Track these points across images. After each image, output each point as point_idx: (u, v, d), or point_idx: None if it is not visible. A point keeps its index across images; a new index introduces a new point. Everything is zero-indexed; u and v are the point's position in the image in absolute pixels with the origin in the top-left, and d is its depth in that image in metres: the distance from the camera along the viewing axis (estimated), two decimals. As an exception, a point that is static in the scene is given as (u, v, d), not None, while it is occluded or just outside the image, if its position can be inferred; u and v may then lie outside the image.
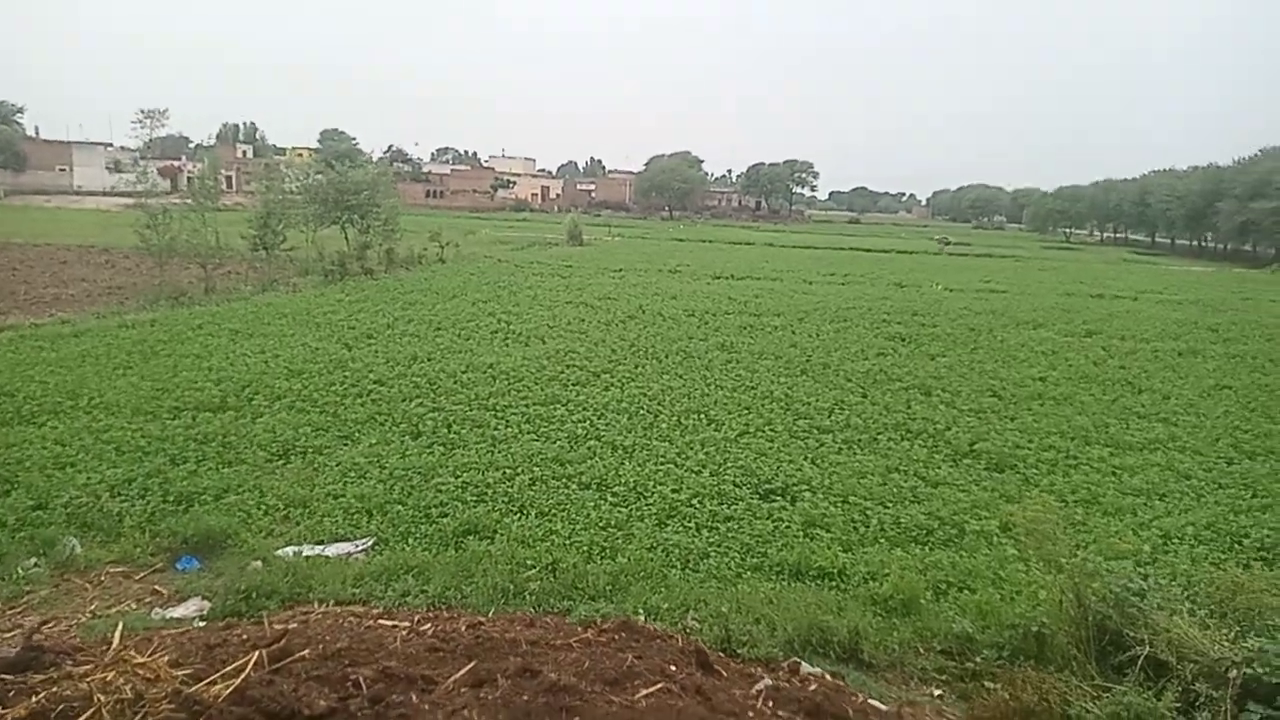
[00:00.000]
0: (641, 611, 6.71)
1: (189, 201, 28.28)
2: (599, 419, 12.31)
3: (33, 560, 7.42)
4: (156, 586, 7.23)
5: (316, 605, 6.33)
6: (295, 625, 4.78)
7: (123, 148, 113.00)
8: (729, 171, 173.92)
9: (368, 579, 7.09)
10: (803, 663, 5.98)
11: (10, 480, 9.01)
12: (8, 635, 6.16)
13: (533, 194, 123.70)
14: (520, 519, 8.64)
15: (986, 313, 25.79)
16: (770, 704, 4.39)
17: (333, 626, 4.76)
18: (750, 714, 4.17)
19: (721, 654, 5.81)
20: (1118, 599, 5.71)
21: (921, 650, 6.57)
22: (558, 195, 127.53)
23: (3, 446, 9.97)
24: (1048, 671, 5.76)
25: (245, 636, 4.47)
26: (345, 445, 10.85)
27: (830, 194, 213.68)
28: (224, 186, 60.28)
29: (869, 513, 9.13)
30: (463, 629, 4.89)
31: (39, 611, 6.64)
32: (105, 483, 9.01)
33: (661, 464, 10.40)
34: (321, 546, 7.85)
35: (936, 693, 6.10)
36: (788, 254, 52.77)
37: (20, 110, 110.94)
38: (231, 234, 28.31)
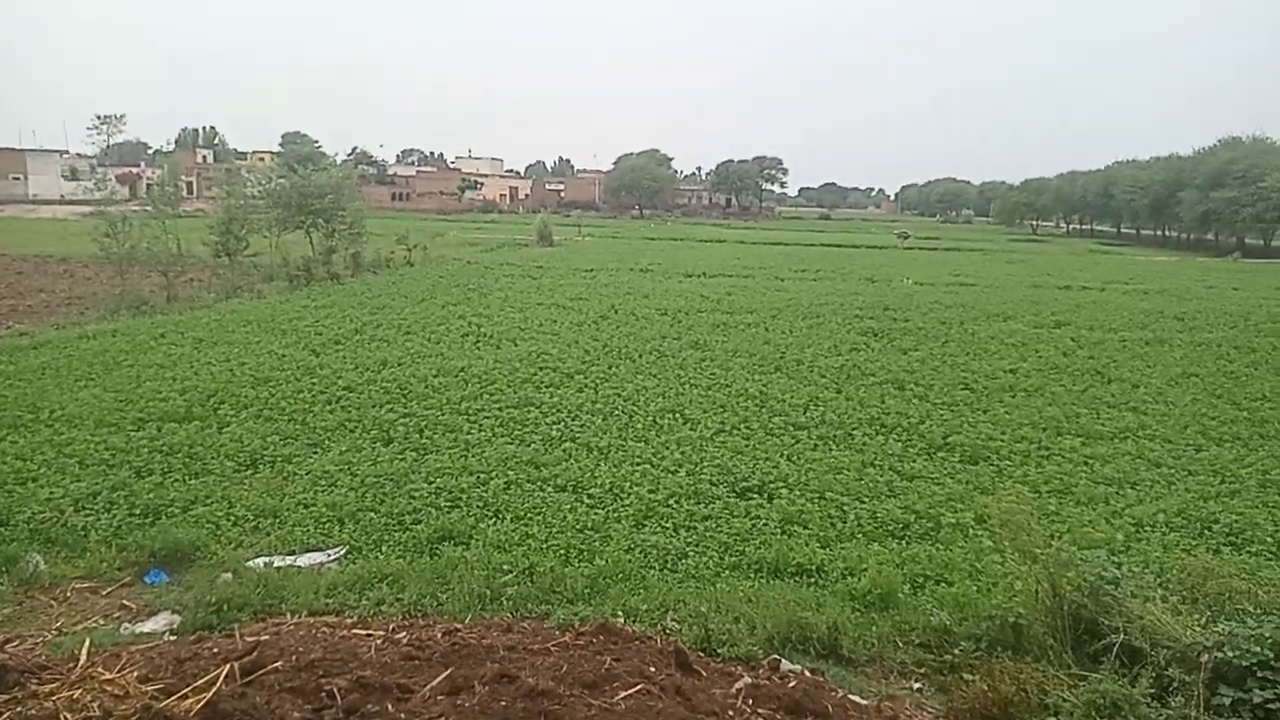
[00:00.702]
0: (620, 613, 6.67)
1: (149, 208, 27.76)
2: (573, 421, 12.24)
3: (-7, 578, 7.22)
4: (124, 601, 7.07)
5: (289, 616, 6.22)
6: (267, 637, 4.69)
7: (79, 155, 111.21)
8: (698, 169, 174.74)
9: (341, 588, 6.97)
10: (783, 660, 5.97)
11: (-32, 497, 8.77)
12: (-32, 656, 5.99)
13: (501, 194, 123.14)
14: (496, 523, 8.57)
15: (956, 306, 26.06)
16: (750, 702, 4.37)
17: (306, 637, 4.67)
18: (730, 713, 4.15)
19: (701, 654, 5.79)
20: (1092, 588, 5.76)
21: (900, 644, 6.60)
22: (526, 195, 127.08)
23: (-40, 462, 9.71)
24: (1025, 661, 5.80)
25: (216, 650, 4.37)
26: (315, 453, 10.69)
27: (800, 190, 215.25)
28: (184, 193, 59.48)
29: (846, 508, 9.16)
30: (439, 636, 4.82)
31: (2, 630, 6.45)
32: (69, 497, 8.79)
33: (638, 464, 10.36)
34: (293, 557, 7.72)
35: (916, 686, 6.13)
36: (759, 251, 53.00)
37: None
38: (193, 241, 27.86)
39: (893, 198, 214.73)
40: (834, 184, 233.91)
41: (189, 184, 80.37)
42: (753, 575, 7.68)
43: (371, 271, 31.98)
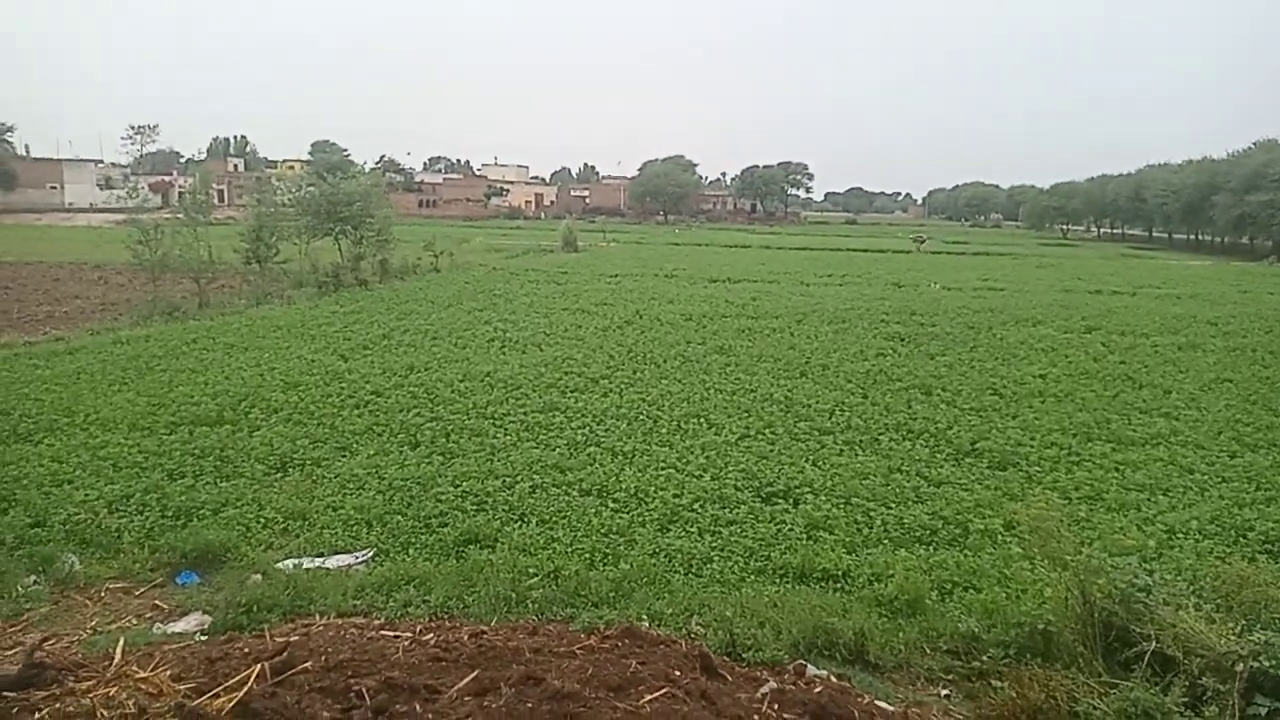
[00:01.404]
0: (645, 617, 6.67)
1: (181, 216, 28.30)
2: (598, 425, 12.28)
3: (32, 578, 7.38)
4: (157, 601, 7.19)
5: (318, 617, 6.29)
6: (297, 638, 4.75)
7: (113, 164, 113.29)
8: (723, 174, 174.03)
9: (369, 590, 7.05)
10: (808, 665, 5.95)
11: (8, 498, 8.96)
12: (9, 653, 6.11)
13: (526, 201, 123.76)
14: (521, 527, 8.61)
15: (985, 311, 25.80)
16: (775, 707, 4.36)
17: (335, 638, 4.72)
18: (756, 718, 4.14)
19: (726, 658, 5.77)
20: (1123, 595, 5.68)
21: (928, 650, 6.55)
22: (551, 202, 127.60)
23: (0, 465, 9.92)
24: (1054, 669, 5.73)
25: (247, 650, 4.43)
26: (343, 457, 10.81)
27: (826, 195, 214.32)
28: (216, 200, 60.41)
29: (872, 514, 9.11)
30: (465, 638, 4.86)
31: (39, 629, 6.59)
32: (103, 499, 8.96)
33: (662, 469, 10.37)
34: (321, 559, 7.81)
35: (943, 692, 6.08)
36: (784, 256, 52.81)
37: (10, 129, 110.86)
38: (224, 248, 28.28)
39: (920, 202, 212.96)
40: (860, 188, 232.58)
41: (220, 192, 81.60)
42: (778, 580, 7.66)
43: (399, 278, 32.28)
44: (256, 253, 29.81)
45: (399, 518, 8.77)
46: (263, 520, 8.72)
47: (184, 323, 21.26)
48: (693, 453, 11.04)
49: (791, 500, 9.51)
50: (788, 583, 7.60)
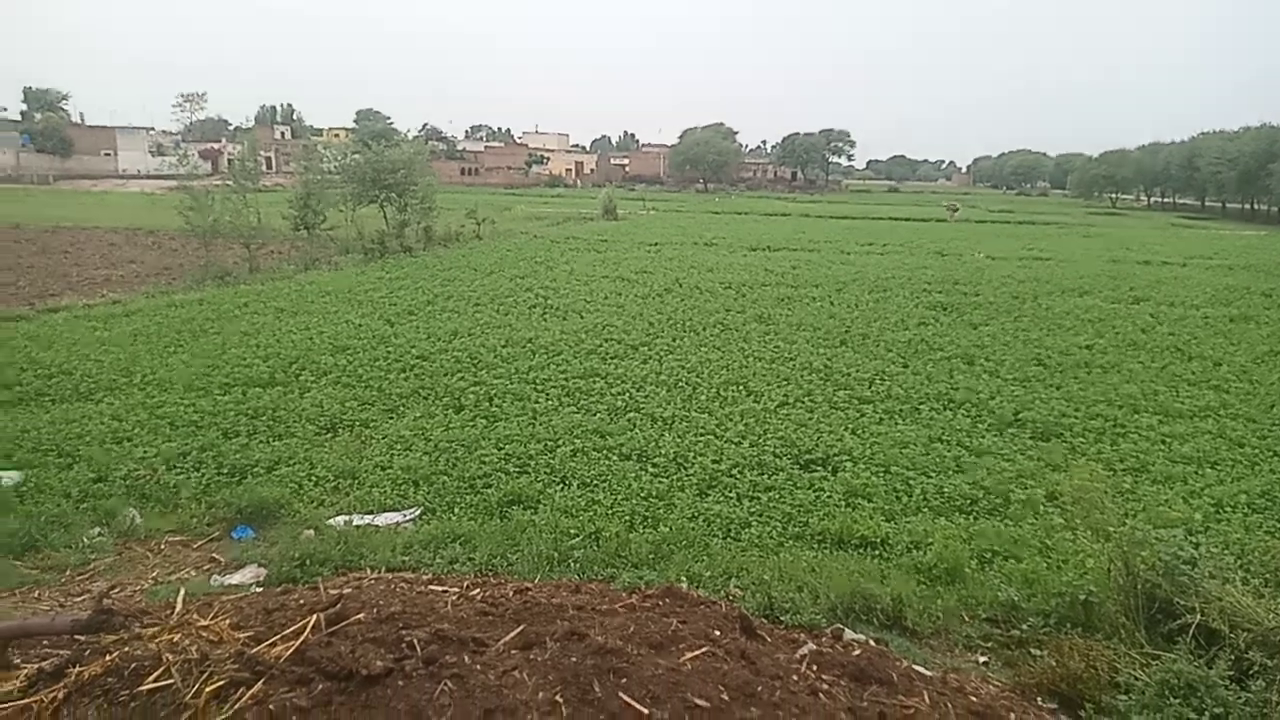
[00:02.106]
0: (684, 579, 6.78)
1: (230, 183, 28.75)
2: (638, 391, 12.36)
3: (96, 530, 7.71)
4: (214, 554, 7.48)
5: (369, 572, 6.50)
6: (349, 590, 4.92)
7: (164, 131, 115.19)
8: (764, 142, 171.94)
9: (416, 547, 7.25)
10: (845, 629, 6.01)
11: (72, 454, 9.34)
12: (78, 599, 6.43)
13: (566, 169, 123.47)
14: (562, 489, 8.75)
15: (1030, 280, 25.31)
16: (814, 668, 4.42)
17: (385, 592, 4.88)
18: (794, 677, 4.21)
19: (764, 620, 5.85)
20: (1168, 567, 5.63)
21: (966, 618, 6.57)
22: (592, 170, 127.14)
23: (64, 422, 10.32)
24: (1095, 639, 5.73)
25: (302, 601, 4.60)
26: (391, 419, 11.05)
27: (868, 163, 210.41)
28: (264, 168, 61.20)
29: (911, 482, 9.10)
30: (510, 594, 4.99)
31: (105, 578, 6.90)
32: (161, 456, 9.29)
33: (701, 435, 10.43)
34: (371, 516, 8.04)
35: (981, 659, 6.10)
36: (825, 224, 52.14)
37: (65, 97, 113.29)
38: (273, 214, 28.76)
39: (965, 170, 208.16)
40: (903, 156, 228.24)
41: (268, 159, 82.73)
42: (816, 546, 7.71)
43: (442, 245, 32.56)
44: (304, 219, 30.31)
45: (444, 478, 8.97)
46: (314, 478, 8.98)
47: (235, 287, 21.72)
48: (732, 419, 11.09)
49: (830, 468, 9.53)
50: (825, 549, 7.65)
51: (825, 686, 4.13)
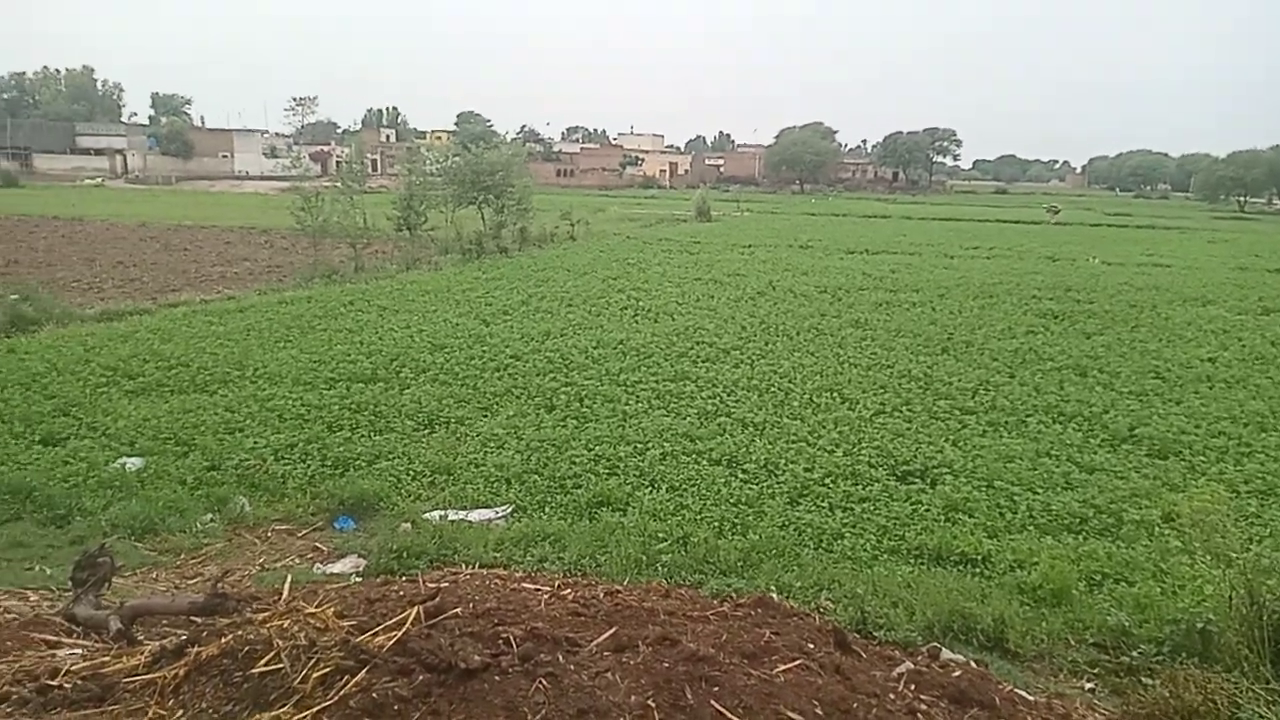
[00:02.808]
0: (774, 588, 6.67)
1: (338, 185, 29.95)
2: (729, 396, 12.27)
3: (209, 516, 8.12)
4: (317, 544, 7.77)
5: (464, 567, 6.64)
6: (447, 584, 5.03)
7: (277, 134, 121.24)
8: (864, 142, 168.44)
9: (508, 544, 7.37)
10: (943, 649, 5.80)
11: (188, 443, 9.87)
12: (191, 581, 6.79)
13: (660, 170, 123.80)
14: (652, 492, 8.75)
15: (1149, 288, 24.03)
16: (913, 688, 4.29)
17: (480, 587, 4.97)
18: (892, 696, 4.09)
19: (858, 636, 5.71)
20: (1300, 598, 5.24)
21: (1072, 642, 6.26)
22: (685, 171, 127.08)
23: (181, 412, 10.92)
24: (1213, 671, 5.37)
25: (402, 593, 4.73)
26: (485, 417, 11.28)
27: (974, 163, 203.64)
28: (369, 170, 63.56)
29: (1016, 498, 8.72)
30: (601, 595, 5.01)
31: (216, 562, 7.27)
32: (270, 447, 9.72)
33: (793, 442, 10.27)
34: (465, 512, 8.22)
35: (1088, 686, 5.80)
36: (927, 227, 50.76)
37: (188, 102, 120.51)
38: (377, 215, 29.77)
39: (1079, 170, 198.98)
40: (1013, 155, 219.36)
41: (373, 162, 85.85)
42: (912, 561, 7.47)
43: (537, 246, 33.11)
44: (407, 220, 31.31)
45: (536, 477, 9.09)
46: (412, 473, 9.24)
47: (341, 285, 22.58)
48: (825, 427, 10.88)
49: (929, 480, 9.24)
50: (922, 564, 7.41)
51: (924, 707, 3.99)
